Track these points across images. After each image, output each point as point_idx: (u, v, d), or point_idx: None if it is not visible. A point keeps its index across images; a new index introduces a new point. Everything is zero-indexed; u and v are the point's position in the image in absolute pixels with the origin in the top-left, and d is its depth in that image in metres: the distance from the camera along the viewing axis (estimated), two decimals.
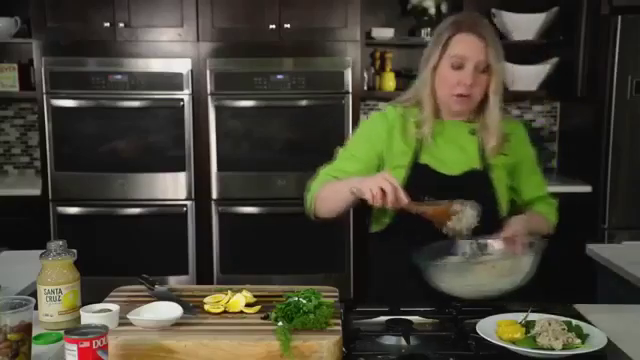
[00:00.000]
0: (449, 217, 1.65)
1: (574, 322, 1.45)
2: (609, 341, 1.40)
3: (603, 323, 1.51)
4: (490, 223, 1.73)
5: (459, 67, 1.74)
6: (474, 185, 1.80)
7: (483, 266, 1.63)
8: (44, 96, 3.65)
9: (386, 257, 1.88)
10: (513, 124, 1.91)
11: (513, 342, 1.38)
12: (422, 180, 1.79)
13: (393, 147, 1.83)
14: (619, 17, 3.46)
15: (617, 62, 3.48)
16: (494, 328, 1.44)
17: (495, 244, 1.72)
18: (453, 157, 1.82)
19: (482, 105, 1.81)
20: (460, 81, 1.75)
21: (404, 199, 1.60)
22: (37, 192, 3.72)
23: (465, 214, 1.65)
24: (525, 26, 3.90)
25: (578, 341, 1.37)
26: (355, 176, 1.77)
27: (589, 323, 1.49)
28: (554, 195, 1.98)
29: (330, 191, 1.80)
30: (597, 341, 1.38)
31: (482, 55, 1.74)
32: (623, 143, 3.56)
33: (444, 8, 3.99)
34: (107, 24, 3.63)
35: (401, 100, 1.90)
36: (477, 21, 1.80)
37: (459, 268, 1.64)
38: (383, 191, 1.58)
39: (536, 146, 2.01)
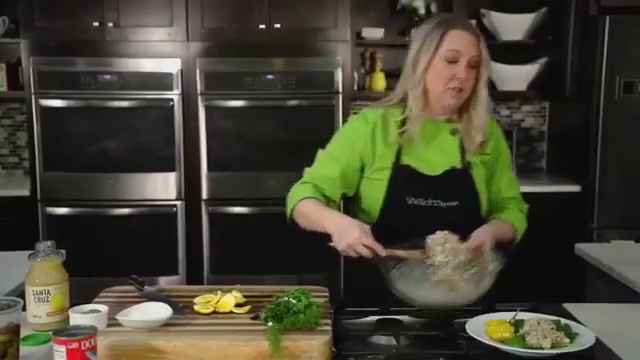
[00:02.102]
0: (427, 257, 1.62)
1: (563, 321, 1.45)
2: (597, 340, 1.41)
3: (592, 322, 1.52)
4: (471, 221, 1.75)
5: (453, 61, 1.77)
6: (455, 184, 1.83)
7: (443, 282, 1.58)
8: (32, 96, 3.63)
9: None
10: (491, 122, 1.92)
11: (502, 341, 1.39)
12: (405, 181, 1.81)
13: (375, 149, 1.84)
14: (607, 17, 3.48)
15: (605, 62, 3.50)
16: (484, 327, 1.44)
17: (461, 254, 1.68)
18: (434, 157, 1.84)
19: (467, 102, 1.83)
20: (454, 75, 1.77)
21: (381, 252, 1.60)
22: (26, 192, 3.69)
23: (437, 254, 1.61)
24: (514, 26, 3.92)
25: (567, 340, 1.38)
26: (336, 179, 1.82)
27: (578, 322, 1.50)
28: (524, 200, 1.98)
29: (310, 213, 1.78)
30: (585, 340, 1.39)
31: (476, 50, 1.78)
32: (612, 143, 3.58)
33: (434, 8, 4.00)
34: (96, 24, 3.61)
35: (381, 102, 1.91)
36: (465, 19, 1.87)
37: (417, 280, 1.59)
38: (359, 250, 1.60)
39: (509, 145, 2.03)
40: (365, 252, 1.60)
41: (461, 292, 1.57)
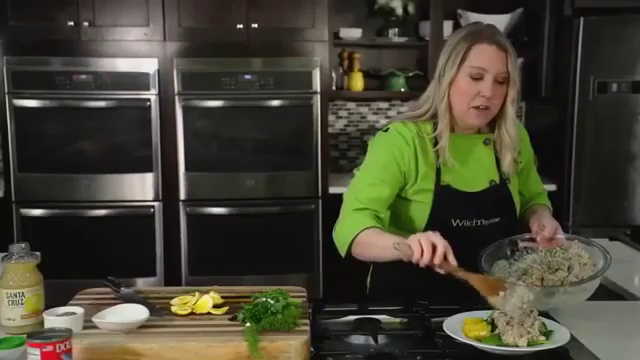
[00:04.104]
0: (496, 292, 1.47)
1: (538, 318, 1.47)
2: (572, 337, 1.43)
3: (567, 319, 1.54)
4: (508, 235, 1.74)
5: (478, 78, 1.68)
6: (495, 199, 1.78)
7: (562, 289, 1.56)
8: (6, 96, 3.58)
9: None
10: (520, 129, 1.87)
11: (479, 340, 1.40)
12: (448, 203, 1.74)
13: (418, 169, 1.75)
14: (581, 19, 3.53)
15: (580, 63, 3.55)
16: (461, 326, 1.45)
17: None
18: (472, 173, 1.78)
19: (497, 115, 1.76)
20: (480, 92, 1.68)
21: (453, 261, 1.47)
22: None
23: (515, 294, 1.46)
24: None
25: (542, 338, 1.39)
26: (386, 201, 1.72)
27: (553, 320, 1.52)
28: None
29: (374, 241, 1.64)
30: (560, 337, 1.41)
31: (503, 66, 1.68)
32: (586, 142, 3.63)
33: (411, 9, 4.03)
34: (71, 23, 3.57)
35: (411, 116, 1.81)
36: (495, 31, 1.73)
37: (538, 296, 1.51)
38: (434, 247, 1.47)
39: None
40: (441, 245, 1.46)
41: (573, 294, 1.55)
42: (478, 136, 1.80)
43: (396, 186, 1.75)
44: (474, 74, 1.68)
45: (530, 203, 1.93)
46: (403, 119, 1.81)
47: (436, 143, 1.75)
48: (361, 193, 1.74)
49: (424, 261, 1.47)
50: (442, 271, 1.48)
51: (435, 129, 1.76)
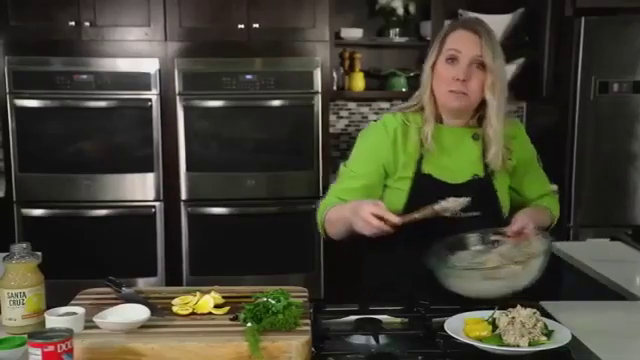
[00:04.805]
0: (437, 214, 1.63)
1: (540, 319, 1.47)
2: (573, 337, 1.42)
3: (568, 319, 1.54)
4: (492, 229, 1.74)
5: (453, 60, 1.74)
6: (477, 193, 1.77)
7: (494, 271, 1.59)
8: (7, 96, 3.58)
9: (380, 257, 1.84)
10: (513, 126, 1.89)
11: (480, 340, 1.40)
12: (425, 190, 1.76)
13: (397, 159, 1.80)
14: (582, 19, 3.52)
15: (581, 63, 3.55)
16: (462, 326, 1.45)
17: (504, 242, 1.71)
18: (456, 164, 1.80)
19: (482, 107, 1.79)
20: (454, 76, 1.73)
21: (394, 219, 1.58)
22: (1, 194, 3.64)
23: (450, 204, 1.62)
24: (491, 27, 3.93)
25: (543, 338, 1.39)
26: (358, 189, 1.78)
27: (555, 320, 1.52)
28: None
29: (334, 214, 1.77)
30: (561, 337, 1.40)
31: (477, 50, 1.73)
32: (587, 142, 3.63)
33: (412, 9, 4.03)
34: (72, 23, 3.57)
35: (403, 107, 1.87)
36: (476, 20, 1.84)
37: (470, 276, 1.59)
38: (376, 216, 1.57)
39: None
40: (377, 223, 1.56)
41: (514, 278, 1.57)
42: (466, 130, 1.82)
43: (374, 179, 1.81)
44: (449, 56, 1.75)
45: (531, 204, 1.92)
46: (396, 110, 1.87)
47: (422, 132, 1.79)
48: (336, 185, 1.86)
49: (371, 231, 1.59)
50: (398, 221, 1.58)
51: (422, 118, 1.81)
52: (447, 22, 3.82)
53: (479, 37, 1.74)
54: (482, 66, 1.74)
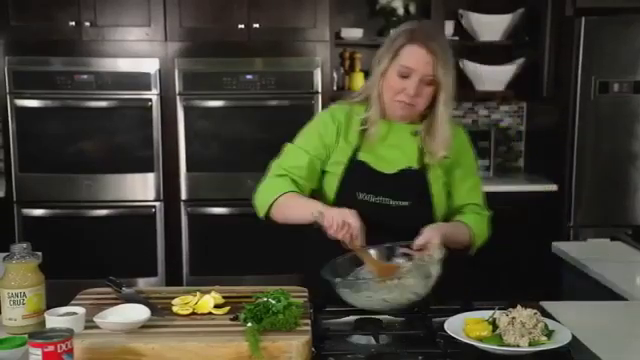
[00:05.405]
0: (390, 278, 1.59)
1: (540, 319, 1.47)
2: (573, 337, 1.42)
3: (568, 319, 1.54)
4: (423, 224, 1.76)
5: (405, 76, 1.78)
6: (408, 184, 1.84)
7: (384, 284, 1.59)
8: (8, 96, 3.58)
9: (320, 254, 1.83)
10: (455, 129, 1.92)
11: (480, 340, 1.40)
12: (357, 176, 1.84)
13: (337, 143, 1.88)
14: (583, 19, 3.52)
15: (581, 63, 3.54)
16: (462, 326, 1.45)
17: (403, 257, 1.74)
18: (392, 156, 1.86)
19: (430, 111, 1.83)
20: (404, 89, 1.78)
21: (358, 243, 1.64)
22: (1, 194, 3.64)
23: (404, 284, 1.59)
24: (492, 27, 3.95)
25: (544, 338, 1.39)
26: (304, 168, 1.84)
27: (555, 320, 1.52)
28: (490, 207, 1.98)
29: (293, 203, 1.82)
30: (562, 337, 1.41)
31: (429, 69, 1.77)
32: (587, 142, 3.63)
33: (412, 9, 4.03)
34: (73, 23, 3.57)
35: (350, 98, 1.95)
36: (430, 33, 1.83)
37: (359, 288, 1.61)
38: (345, 225, 1.63)
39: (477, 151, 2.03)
40: (355, 225, 1.63)
41: (402, 292, 1.58)
42: (407, 126, 1.88)
43: (318, 156, 1.87)
44: (402, 72, 1.78)
45: (455, 216, 1.93)
46: (342, 102, 1.97)
47: (364, 124, 1.85)
48: (282, 160, 1.91)
49: (333, 236, 1.64)
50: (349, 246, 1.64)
51: (366, 111, 1.86)
52: (448, 23, 3.87)
53: (434, 56, 1.76)
54: (431, 82, 1.78)
